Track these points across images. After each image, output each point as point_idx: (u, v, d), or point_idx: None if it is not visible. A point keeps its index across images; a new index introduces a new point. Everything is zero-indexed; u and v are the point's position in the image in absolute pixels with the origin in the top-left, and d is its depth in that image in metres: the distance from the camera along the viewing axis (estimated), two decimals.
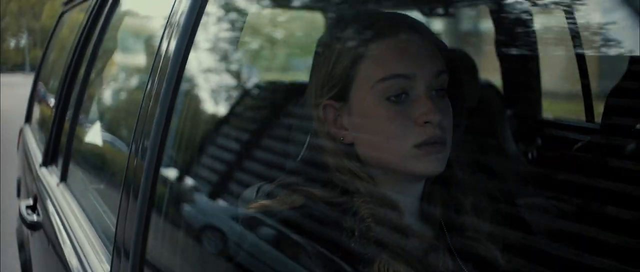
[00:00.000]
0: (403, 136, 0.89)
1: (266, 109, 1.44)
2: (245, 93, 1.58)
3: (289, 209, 0.89)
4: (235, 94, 1.54)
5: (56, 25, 3.74)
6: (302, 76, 1.03)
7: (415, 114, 0.89)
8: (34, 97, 3.88)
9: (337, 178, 0.92)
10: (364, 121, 0.92)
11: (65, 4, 3.47)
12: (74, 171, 2.13)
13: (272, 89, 1.79)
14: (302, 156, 1.00)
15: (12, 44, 50.16)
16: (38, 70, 4.00)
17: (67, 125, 2.27)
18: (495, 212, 0.97)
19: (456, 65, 1.36)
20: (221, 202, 1.24)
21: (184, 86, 1.17)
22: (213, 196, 1.27)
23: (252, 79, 1.81)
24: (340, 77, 0.93)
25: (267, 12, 2.01)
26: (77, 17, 2.88)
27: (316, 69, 0.97)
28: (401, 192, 0.93)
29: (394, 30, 0.92)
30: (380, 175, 0.93)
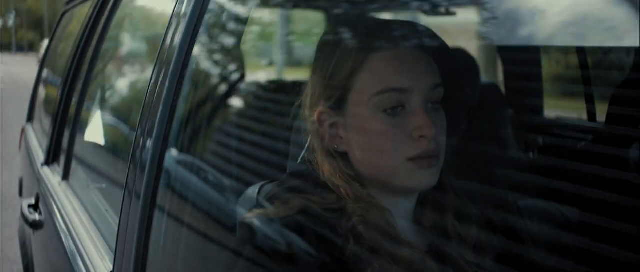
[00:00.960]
0: (397, 149, 0.90)
1: (269, 106, 1.44)
2: (248, 89, 1.58)
3: (285, 216, 0.90)
4: (237, 90, 1.54)
5: (57, 26, 3.74)
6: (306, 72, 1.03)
7: (411, 127, 0.90)
8: (36, 95, 3.89)
9: (332, 184, 0.93)
10: (359, 132, 0.93)
11: (67, 3, 3.47)
12: (76, 169, 2.13)
13: (275, 86, 1.79)
14: (302, 157, 1.00)
15: (0, 23, 50.45)
16: (40, 70, 4.00)
17: (69, 124, 2.27)
18: (488, 225, 0.97)
19: (457, 65, 1.36)
20: (224, 200, 1.24)
21: (186, 85, 1.18)
22: (215, 193, 1.27)
23: (256, 75, 1.81)
24: (337, 87, 0.93)
25: (273, 4, 2.00)
26: (79, 18, 2.88)
27: (314, 74, 0.97)
28: (394, 204, 0.94)
29: (391, 42, 0.93)
30: (373, 186, 0.94)
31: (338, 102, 0.94)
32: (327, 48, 0.97)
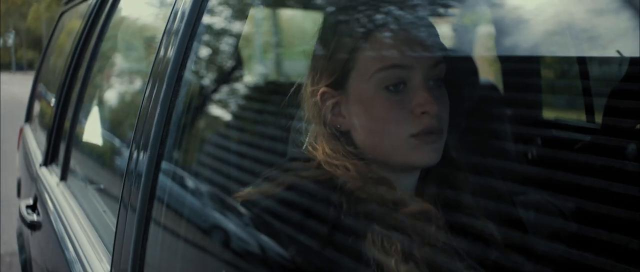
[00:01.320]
0: (400, 126, 0.90)
1: (265, 108, 1.44)
2: (245, 91, 1.58)
3: (274, 194, 0.90)
4: (235, 92, 1.54)
5: (56, 26, 3.74)
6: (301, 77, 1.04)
7: (413, 104, 0.90)
8: (34, 96, 3.88)
9: (328, 165, 0.92)
10: (362, 110, 0.92)
11: (65, 3, 3.47)
12: (74, 170, 2.13)
13: (271, 88, 1.79)
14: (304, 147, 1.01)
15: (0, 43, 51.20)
16: (38, 70, 4.00)
17: (67, 124, 2.27)
18: (489, 202, 0.97)
19: (456, 64, 1.36)
20: (221, 200, 1.24)
21: (184, 84, 1.18)
22: (213, 194, 1.27)
23: (252, 77, 1.81)
24: (338, 65, 0.93)
25: (268, 11, 2.00)
26: (75, 21, 2.88)
27: (315, 54, 0.97)
28: (396, 181, 0.94)
29: (392, 21, 0.93)
30: (376, 164, 0.93)
31: (339, 80, 0.93)
32: (329, 27, 0.97)
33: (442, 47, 0.96)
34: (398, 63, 0.90)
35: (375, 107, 0.91)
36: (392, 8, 0.95)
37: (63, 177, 2.13)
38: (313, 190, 0.89)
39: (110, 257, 1.29)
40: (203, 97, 1.35)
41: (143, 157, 1.17)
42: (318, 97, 0.95)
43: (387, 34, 0.92)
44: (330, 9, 1.03)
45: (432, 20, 0.97)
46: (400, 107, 0.90)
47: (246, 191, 0.94)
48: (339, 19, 0.96)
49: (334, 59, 0.93)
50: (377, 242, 0.86)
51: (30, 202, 2.38)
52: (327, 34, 0.96)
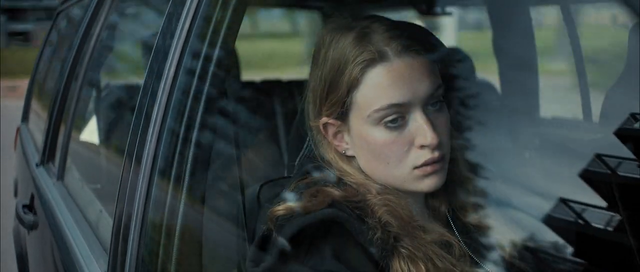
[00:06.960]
0: (401, 160, 0.91)
1: (266, 105, 1.44)
2: (244, 88, 1.58)
3: (318, 209, 0.90)
4: (232, 88, 1.54)
5: (52, 26, 3.72)
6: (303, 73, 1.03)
7: (412, 138, 0.91)
8: (31, 96, 3.87)
9: (348, 181, 0.94)
10: (364, 144, 0.94)
11: (62, 3, 3.46)
12: (71, 169, 2.12)
13: (271, 85, 1.79)
14: (301, 157, 1.01)
15: None
16: (35, 70, 3.99)
17: (64, 124, 2.26)
18: (495, 206, 0.98)
19: (453, 64, 1.36)
20: (221, 199, 1.24)
21: (181, 83, 1.17)
22: (213, 193, 1.26)
23: (251, 75, 1.81)
24: (336, 103, 0.94)
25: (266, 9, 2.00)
26: (74, 18, 2.87)
27: (312, 86, 0.97)
28: (405, 198, 0.95)
29: (386, 55, 0.91)
30: (384, 185, 0.95)
31: (339, 115, 0.95)
32: (322, 59, 0.96)
33: (440, 61, 0.96)
34: (394, 102, 0.90)
35: (376, 143, 0.92)
36: (387, 39, 0.93)
37: (60, 177, 2.12)
38: (350, 210, 0.90)
39: (107, 257, 1.28)
40: (202, 93, 1.35)
41: (140, 157, 1.17)
42: (321, 127, 0.97)
43: (382, 72, 0.91)
44: (323, 39, 1.00)
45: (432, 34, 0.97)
46: (400, 142, 0.91)
47: (284, 206, 0.92)
48: (332, 54, 0.95)
49: (331, 96, 0.94)
50: (404, 266, 0.87)
51: (27, 201, 2.37)
52: (322, 69, 0.95)
